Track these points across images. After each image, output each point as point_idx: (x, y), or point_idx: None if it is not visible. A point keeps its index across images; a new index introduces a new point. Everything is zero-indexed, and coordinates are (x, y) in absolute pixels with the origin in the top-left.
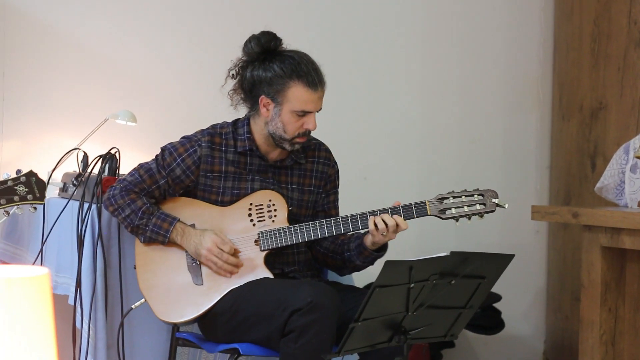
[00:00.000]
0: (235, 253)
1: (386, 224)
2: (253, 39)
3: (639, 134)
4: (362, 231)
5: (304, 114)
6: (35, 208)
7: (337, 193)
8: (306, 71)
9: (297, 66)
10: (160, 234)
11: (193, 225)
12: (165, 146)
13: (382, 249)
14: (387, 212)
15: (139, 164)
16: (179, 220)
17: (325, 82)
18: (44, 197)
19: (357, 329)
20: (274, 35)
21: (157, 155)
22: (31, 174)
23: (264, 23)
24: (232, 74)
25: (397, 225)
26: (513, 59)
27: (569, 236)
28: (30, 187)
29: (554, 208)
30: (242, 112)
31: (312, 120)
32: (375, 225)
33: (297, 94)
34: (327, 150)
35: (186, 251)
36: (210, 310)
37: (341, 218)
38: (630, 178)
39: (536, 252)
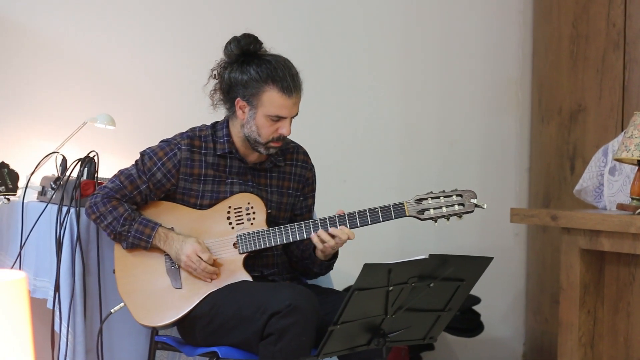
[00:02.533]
0: (214, 263)
1: (335, 237)
2: (233, 40)
3: (618, 136)
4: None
5: (278, 119)
6: (8, 200)
7: (314, 197)
8: (282, 76)
9: (273, 71)
10: (142, 239)
11: (172, 229)
12: (144, 151)
13: (334, 255)
14: (350, 219)
15: (119, 170)
16: (160, 225)
17: (301, 89)
18: (17, 188)
19: (336, 332)
20: (255, 38)
21: (136, 161)
22: (3, 165)
23: (245, 26)
24: (214, 74)
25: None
26: (492, 61)
27: (548, 238)
28: (3, 178)
29: (533, 210)
30: (221, 112)
31: (286, 125)
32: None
33: (271, 99)
34: (305, 154)
35: (165, 255)
36: (189, 314)
37: (319, 220)
38: (609, 180)
39: (515, 255)
